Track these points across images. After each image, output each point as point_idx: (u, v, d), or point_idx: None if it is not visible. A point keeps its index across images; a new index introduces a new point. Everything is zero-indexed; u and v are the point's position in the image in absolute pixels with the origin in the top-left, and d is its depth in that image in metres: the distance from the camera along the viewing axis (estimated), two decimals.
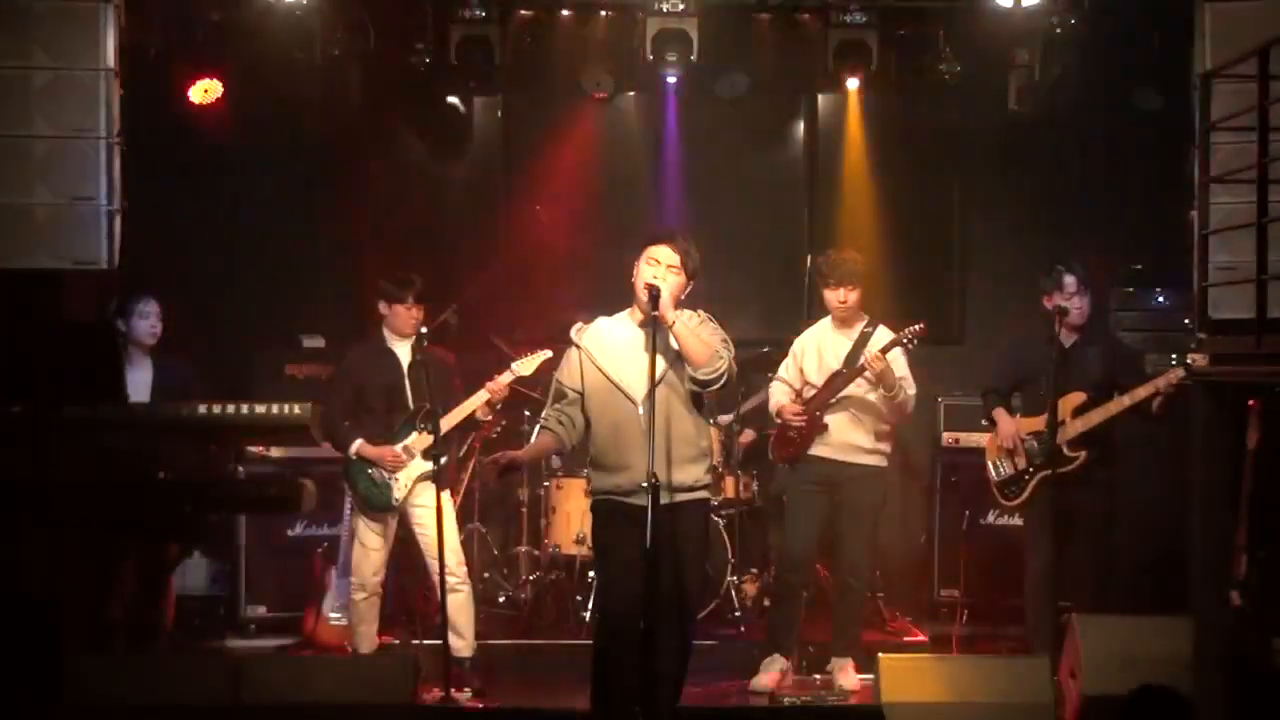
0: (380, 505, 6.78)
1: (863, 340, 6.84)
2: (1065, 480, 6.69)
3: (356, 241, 8.46)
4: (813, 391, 6.89)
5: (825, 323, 7.01)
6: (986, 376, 7.31)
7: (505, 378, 6.80)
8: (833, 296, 6.86)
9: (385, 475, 6.75)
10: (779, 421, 6.96)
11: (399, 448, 6.74)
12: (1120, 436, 6.83)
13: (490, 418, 7.10)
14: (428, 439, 6.49)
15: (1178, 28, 6.48)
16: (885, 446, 6.91)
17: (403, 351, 6.80)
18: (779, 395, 6.99)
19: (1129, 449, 6.97)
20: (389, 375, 6.81)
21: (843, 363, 6.83)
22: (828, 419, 6.82)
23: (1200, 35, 6.04)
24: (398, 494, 6.76)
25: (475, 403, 6.78)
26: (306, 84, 7.50)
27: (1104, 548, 6.83)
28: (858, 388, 6.77)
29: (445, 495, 6.60)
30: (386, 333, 6.85)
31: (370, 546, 6.81)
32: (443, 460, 6.49)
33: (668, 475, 5.34)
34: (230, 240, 8.36)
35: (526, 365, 6.83)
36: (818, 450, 6.85)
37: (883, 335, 6.83)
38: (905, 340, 6.73)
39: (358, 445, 6.74)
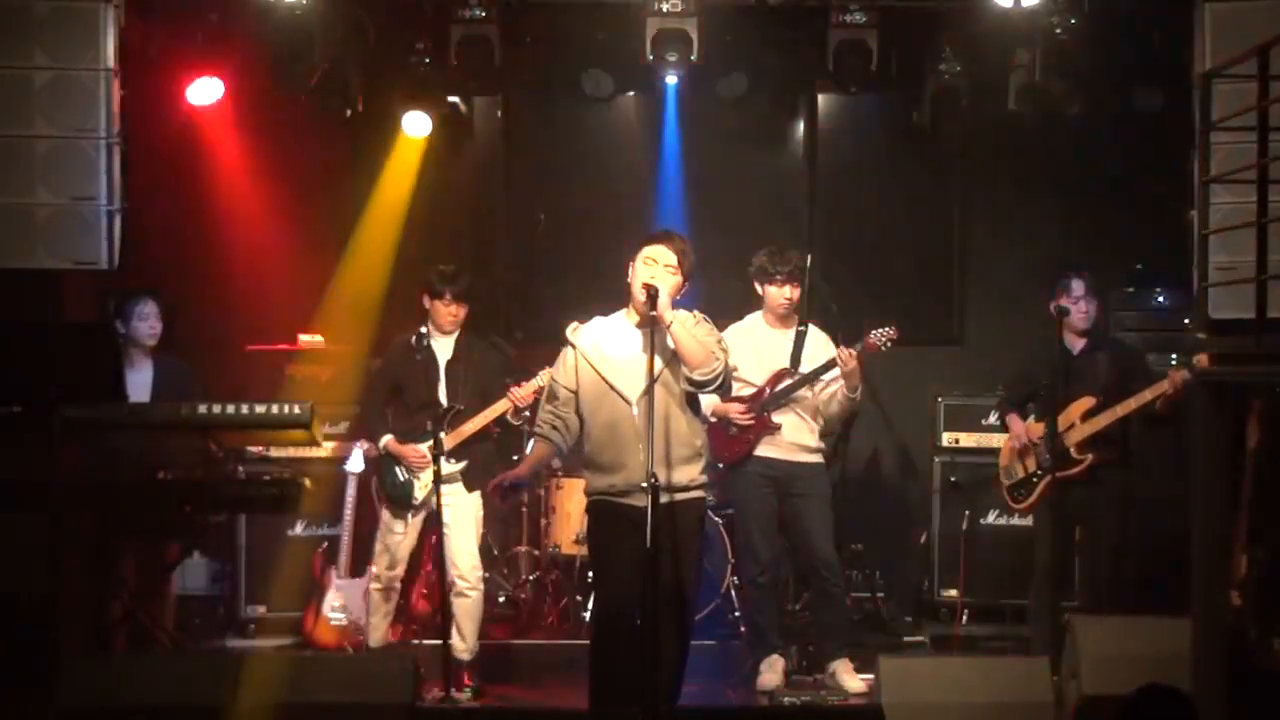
0: (402, 501, 6.79)
1: (800, 339, 6.81)
2: (1075, 483, 6.72)
3: (356, 241, 8.45)
4: (750, 390, 6.86)
5: (755, 320, 6.96)
6: (987, 376, 7.30)
7: (531, 385, 6.70)
8: (778, 293, 6.80)
9: (409, 473, 6.76)
10: (714, 420, 6.92)
11: (424, 447, 6.71)
12: (1134, 440, 6.86)
13: (519, 423, 7.01)
14: (453, 440, 6.50)
15: (1178, 28, 6.48)
16: (824, 445, 6.95)
17: (442, 348, 6.77)
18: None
19: (1140, 451, 6.97)
20: (426, 373, 6.77)
21: (790, 362, 6.80)
22: (779, 419, 6.80)
23: (1200, 35, 6.04)
24: (418, 492, 6.76)
25: (498, 409, 6.75)
26: (306, 84, 7.49)
27: (1116, 550, 6.85)
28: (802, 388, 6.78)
29: (474, 496, 6.65)
30: (429, 328, 6.81)
31: (390, 542, 6.83)
32: (464, 463, 6.52)
33: (665, 476, 5.34)
34: (230, 240, 8.36)
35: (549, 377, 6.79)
36: (766, 451, 6.82)
37: (817, 334, 6.84)
38: (880, 343, 6.71)
39: (387, 441, 6.77)
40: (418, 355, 6.76)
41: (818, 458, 6.88)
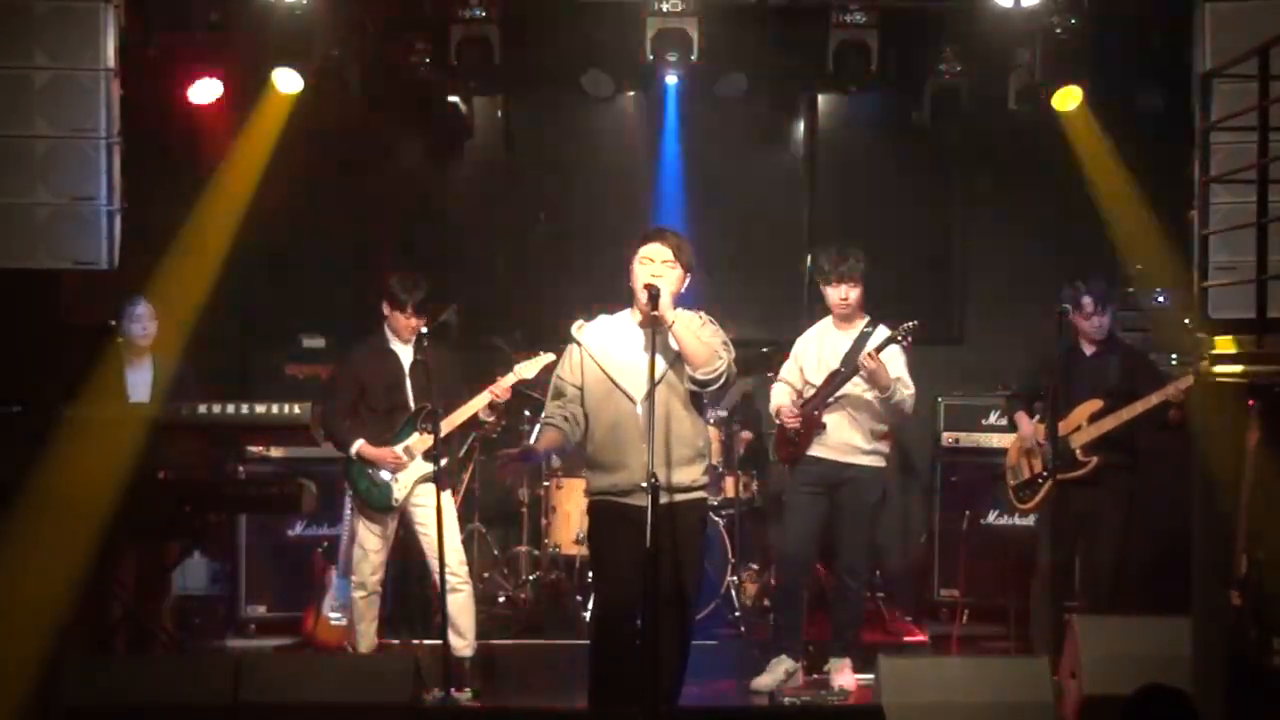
0: (380, 505, 6.77)
1: (862, 340, 6.81)
2: (1080, 484, 6.74)
3: (356, 241, 8.45)
4: (812, 391, 6.88)
5: (826, 322, 6.99)
6: (987, 376, 7.27)
7: (508, 379, 6.78)
8: (834, 294, 6.84)
9: (386, 476, 6.75)
10: (778, 422, 6.95)
11: (399, 448, 6.73)
12: (1141, 443, 6.86)
13: (492, 419, 7.10)
14: (429, 440, 6.48)
15: (1178, 28, 6.48)
16: (883, 446, 6.88)
17: (404, 351, 6.79)
18: (779, 395, 6.98)
19: (1146, 454, 6.97)
20: (391, 375, 6.80)
21: (841, 362, 6.81)
22: (826, 419, 6.80)
23: (1200, 35, 6.04)
24: (398, 494, 6.75)
25: (478, 404, 6.77)
26: (306, 84, 7.49)
27: (1117, 550, 6.85)
28: (854, 387, 6.74)
29: (446, 495, 6.59)
30: (388, 332, 6.84)
31: (369, 547, 6.80)
32: (443, 461, 6.49)
33: (666, 476, 5.34)
34: (229, 240, 8.34)
35: (529, 367, 6.82)
36: (816, 451, 6.82)
37: (881, 335, 6.82)
38: (900, 337, 6.71)
39: (358, 446, 6.73)
40: (384, 359, 6.79)
41: (872, 459, 6.82)
